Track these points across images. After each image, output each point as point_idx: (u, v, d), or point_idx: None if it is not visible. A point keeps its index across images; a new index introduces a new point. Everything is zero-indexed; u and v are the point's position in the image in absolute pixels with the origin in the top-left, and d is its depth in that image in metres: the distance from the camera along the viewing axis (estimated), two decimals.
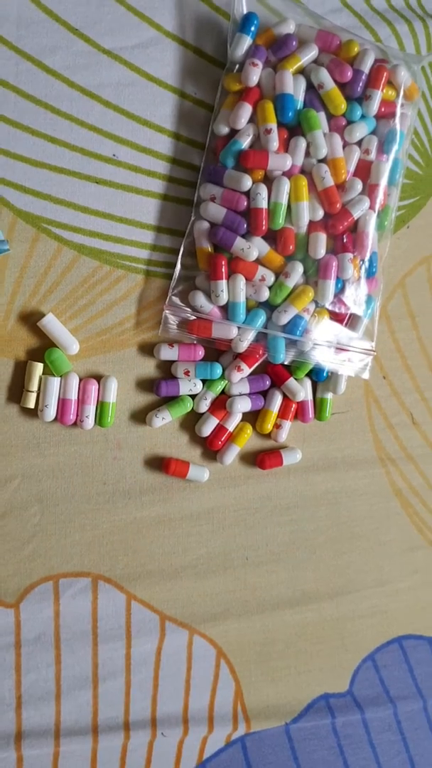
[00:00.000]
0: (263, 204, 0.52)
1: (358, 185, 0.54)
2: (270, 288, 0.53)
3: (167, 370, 0.55)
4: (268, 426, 0.56)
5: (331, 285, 0.54)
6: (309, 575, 0.58)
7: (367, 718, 0.59)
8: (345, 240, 0.54)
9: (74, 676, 0.54)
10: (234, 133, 0.53)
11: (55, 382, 0.52)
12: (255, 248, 0.52)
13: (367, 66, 0.54)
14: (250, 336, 0.53)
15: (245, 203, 0.52)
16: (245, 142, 0.53)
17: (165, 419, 0.54)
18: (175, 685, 0.55)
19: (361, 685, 0.59)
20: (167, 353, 0.54)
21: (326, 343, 0.55)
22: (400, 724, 0.59)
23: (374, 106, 0.54)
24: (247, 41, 0.53)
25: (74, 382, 0.53)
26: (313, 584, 0.58)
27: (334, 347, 0.55)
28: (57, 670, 0.53)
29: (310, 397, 0.57)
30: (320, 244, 0.53)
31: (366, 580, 0.59)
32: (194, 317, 0.54)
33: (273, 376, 0.56)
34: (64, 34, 0.53)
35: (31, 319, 0.53)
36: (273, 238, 0.53)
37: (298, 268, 0.53)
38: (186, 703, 0.56)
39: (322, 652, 0.58)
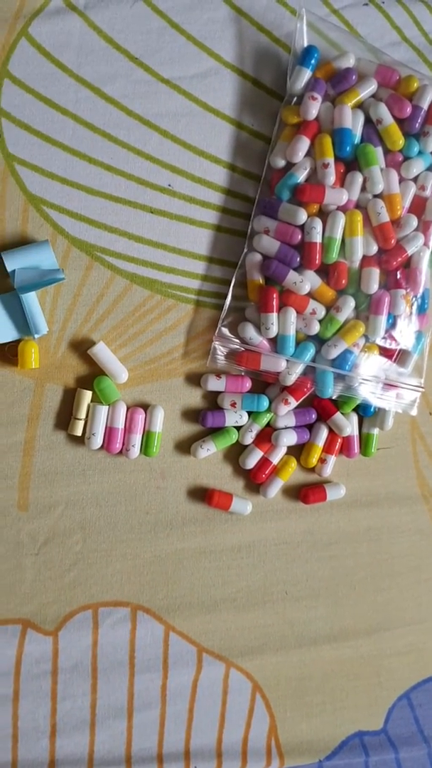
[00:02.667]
0: (317, 238, 0.52)
1: (413, 222, 0.54)
2: (320, 322, 0.53)
3: (213, 401, 0.55)
4: (313, 460, 0.56)
5: (382, 320, 0.53)
6: (348, 611, 0.57)
7: (401, 758, 0.58)
8: (398, 276, 0.54)
9: (109, 706, 0.53)
10: (290, 166, 0.53)
11: (102, 411, 0.52)
12: (307, 282, 0.52)
13: (426, 102, 0.54)
14: (298, 369, 0.53)
15: (299, 237, 0.52)
16: (301, 176, 0.52)
17: (209, 450, 0.54)
18: (210, 718, 0.55)
19: (396, 724, 0.58)
20: (214, 384, 0.54)
21: (374, 379, 0.54)
22: None
23: None
24: (306, 74, 0.53)
25: (122, 411, 0.52)
26: (351, 620, 0.57)
27: (382, 383, 0.55)
28: (92, 700, 0.53)
29: (356, 432, 0.56)
30: (373, 280, 0.53)
31: (404, 617, 0.58)
32: (243, 349, 0.53)
33: (319, 409, 0.56)
34: (124, 62, 0.53)
35: (81, 347, 0.53)
36: (325, 271, 0.53)
37: (350, 303, 0.53)
38: (220, 737, 0.55)
39: (358, 688, 0.58)
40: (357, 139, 0.53)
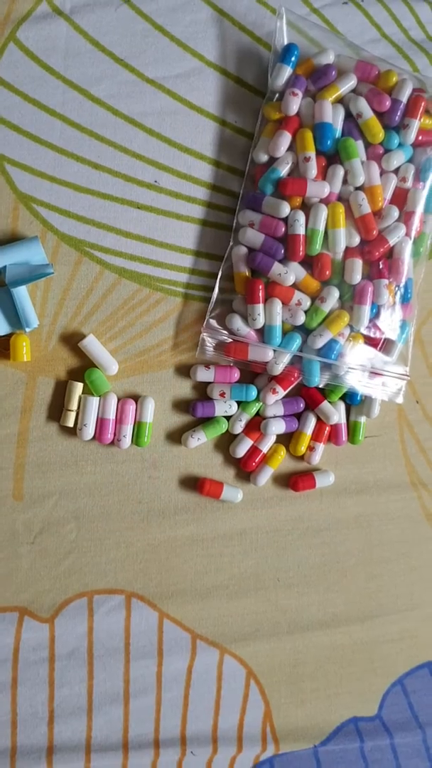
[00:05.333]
0: (301, 230, 0.53)
1: (395, 212, 0.55)
2: (306, 312, 0.54)
3: (203, 392, 0.56)
4: (302, 448, 0.57)
5: (366, 310, 0.54)
6: (340, 598, 0.58)
7: (396, 743, 0.59)
8: (381, 266, 0.55)
9: (106, 692, 0.54)
10: (273, 160, 0.54)
11: (94, 402, 0.53)
12: (292, 273, 0.53)
13: (405, 95, 0.55)
14: (285, 359, 0.54)
15: (283, 229, 0.53)
16: (284, 170, 0.54)
17: (200, 440, 0.55)
18: (205, 704, 0.56)
19: (390, 710, 0.59)
20: (203, 375, 0.55)
21: (360, 367, 0.55)
22: (429, 750, 0.59)
23: (411, 134, 0.55)
24: (287, 71, 0.54)
25: (113, 402, 0.54)
26: (343, 607, 0.58)
27: (368, 371, 0.56)
28: (89, 686, 0.54)
29: (343, 420, 0.57)
30: (356, 270, 0.54)
31: (396, 604, 0.59)
32: (231, 340, 0.54)
33: (307, 398, 0.57)
34: (110, 64, 0.55)
35: (72, 340, 0.54)
36: (310, 263, 0.54)
37: (334, 293, 0.54)
38: (215, 723, 0.56)
39: (352, 675, 0.58)
40: (338, 133, 0.54)
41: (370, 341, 0.56)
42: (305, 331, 0.55)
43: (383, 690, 0.59)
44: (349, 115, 0.55)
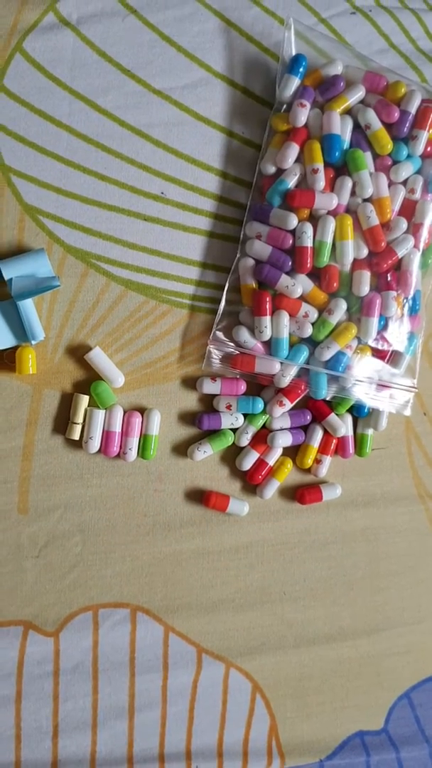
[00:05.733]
0: (308, 242, 0.53)
1: (403, 224, 0.54)
2: (313, 324, 0.54)
3: (209, 404, 0.56)
4: (309, 461, 0.56)
5: (374, 322, 0.54)
6: (346, 611, 0.58)
7: (402, 757, 0.58)
8: (389, 278, 0.54)
9: (111, 706, 0.54)
10: (281, 172, 0.54)
11: (100, 415, 0.53)
12: (299, 285, 0.53)
13: (413, 107, 0.55)
14: (292, 371, 0.54)
15: (290, 241, 0.53)
16: (292, 182, 0.53)
17: (206, 452, 0.55)
18: (210, 718, 0.55)
19: (397, 724, 0.59)
20: (210, 387, 0.55)
21: (368, 380, 0.55)
22: None
23: (420, 146, 0.55)
24: (295, 82, 0.54)
25: (118, 415, 0.53)
26: (349, 620, 0.58)
27: (375, 384, 0.55)
28: (94, 700, 0.54)
29: (350, 432, 0.57)
30: (364, 282, 0.54)
31: (403, 617, 0.59)
32: (237, 352, 0.54)
33: (314, 411, 0.56)
34: (117, 75, 0.55)
35: (78, 352, 0.54)
36: (317, 275, 0.54)
37: (342, 305, 0.54)
38: (221, 737, 0.56)
39: (358, 688, 0.58)
40: (346, 145, 0.54)
41: (378, 353, 0.55)
42: (312, 343, 0.54)
43: (389, 703, 0.59)
44: (357, 127, 0.55)
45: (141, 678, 0.54)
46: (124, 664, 0.54)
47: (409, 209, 0.55)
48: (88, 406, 0.53)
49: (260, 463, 0.56)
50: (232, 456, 0.56)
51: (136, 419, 0.54)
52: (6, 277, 0.51)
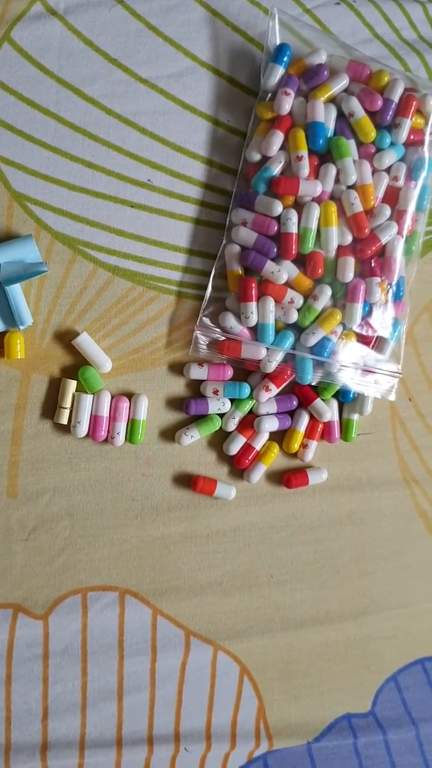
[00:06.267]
0: (293, 229, 0.53)
1: (387, 211, 0.55)
2: (299, 310, 0.55)
3: (197, 389, 0.56)
4: (295, 445, 0.57)
5: (358, 308, 0.54)
6: (333, 594, 0.58)
7: (389, 740, 0.59)
8: (373, 264, 0.55)
9: (100, 689, 0.55)
10: (266, 159, 0.55)
11: (87, 399, 0.54)
12: (284, 271, 0.54)
13: (396, 95, 0.55)
14: (278, 357, 0.54)
15: (276, 228, 0.54)
16: (276, 169, 0.54)
17: (194, 437, 0.55)
18: (198, 701, 0.56)
19: (384, 706, 0.59)
20: (197, 373, 0.55)
21: (353, 365, 0.56)
22: (422, 747, 0.59)
23: (403, 134, 0.55)
24: (279, 71, 0.55)
25: (106, 400, 0.54)
26: (336, 604, 0.58)
27: (360, 369, 0.56)
28: (83, 682, 0.54)
29: (336, 417, 0.58)
30: (348, 268, 0.54)
31: (389, 600, 0.59)
32: (224, 338, 0.55)
33: (300, 396, 0.57)
34: (103, 64, 0.55)
35: (66, 338, 0.54)
36: (302, 261, 0.55)
37: (327, 291, 0.54)
38: (209, 719, 0.56)
39: (345, 671, 0.59)
40: (330, 132, 0.55)
41: (363, 339, 0.56)
42: (298, 329, 0.55)
43: (376, 686, 0.59)
44: (341, 115, 0.55)
45: (130, 660, 0.55)
46: (112, 647, 0.55)
47: (392, 196, 0.56)
48: (76, 391, 0.54)
49: (247, 447, 0.56)
50: (219, 441, 0.57)
51: (124, 404, 0.54)
52: None
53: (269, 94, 0.55)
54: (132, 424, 0.54)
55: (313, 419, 0.57)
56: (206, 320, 0.55)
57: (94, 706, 0.54)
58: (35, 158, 0.54)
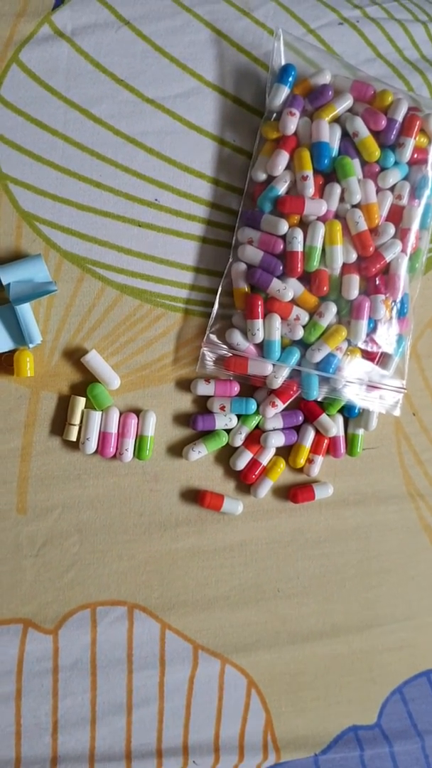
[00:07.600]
0: (299, 247, 0.54)
1: (391, 229, 0.56)
2: (304, 327, 0.55)
3: (204, 405, 0.57)
4: (301, 460, 0.57)
5: (363, 325, 0.55)
6: (339, 608, 0.59)
7: (395, 752, 0.59)
8: (377, 282, 0.56)
9: (109, 703, 0.55)
10: (271, 179, 0.55)
11: (96, 416, 0.54)
12: (290, 289, 0.54)
13: (400, 115, 0.56)
14: (284, 373, 0.55)
15: (281, 246, 0.54)
16: (282, 188, 0.55)
17: (201, 453, 0.56)
18: (207, 714, 0.56)
19: (390, 718, 0.60)
20: (204, 389, 0.56)
21: (358, 381, 0.56)
22: (427, 758, 0.60)
23: (407, 153, 0.56)
24: (284, 91, 0.56)
25: (115, 416, 0.54)
26: (342, 617, 0.59)
27: (365, 385, 0.57)
28: (92, 696, 0.55)
29: (341, 432, 0.58)
30: (353, 286, 0.55)
31: (395, 613, 0.60)
32: (230, 354, 0.55)
33: (306, 412, 0.58)
34: (110, 84, 0.56)
35: (74, 356, 0.55)
36: (308, 279, 0.55)
37: (332, 309, 0.55)
38: (217, 732, 0.57)
39: (351, 684, 0.59)
40: (334, 152, 0.56)
41: (368, 355, 0.57)
42: (304, 345, 0.56)
43: (382, 699, 0.60)
44: (345, 134, 0.56)
45: (138, 674, 0.55)
46: (121, 661, 0.55)
47: (396, 215, 0.57)
48: (85, 407, 0.54)
49: (254, 463, 0.57)
50: (226, 456, 0.57)
51: (132, 420, 0.55)
52: (4, 282, 0.52)
53: (274, 114, 0.56)
54: (140, 440, 0.55)
55: (319, 434, 0.58)
56: (213, 337, 0.56)
57: (104, 720, 0.55)
58: (44, 178, 0.55)
